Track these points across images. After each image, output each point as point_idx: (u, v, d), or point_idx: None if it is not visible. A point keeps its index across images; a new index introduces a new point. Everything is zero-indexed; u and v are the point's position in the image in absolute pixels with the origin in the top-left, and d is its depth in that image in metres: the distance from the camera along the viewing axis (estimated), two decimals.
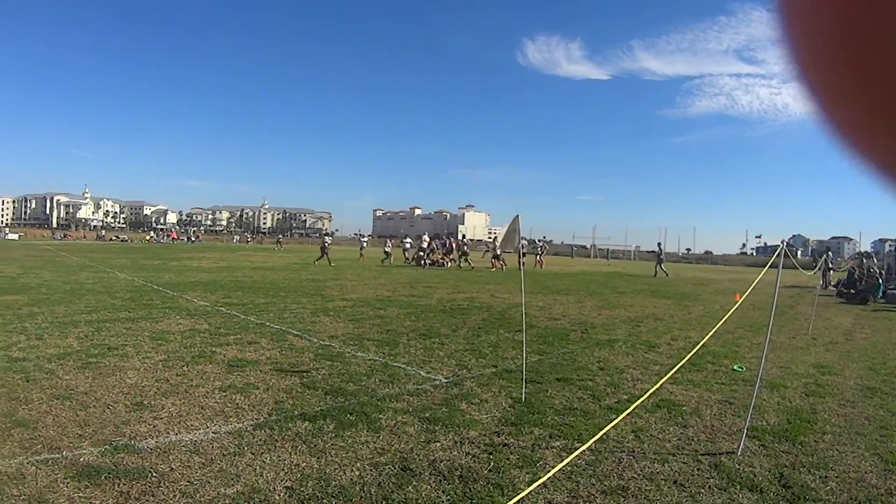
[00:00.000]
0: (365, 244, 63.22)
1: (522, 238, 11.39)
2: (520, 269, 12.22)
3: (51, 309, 18.25)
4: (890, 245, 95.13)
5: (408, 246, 51.71)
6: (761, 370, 8.36)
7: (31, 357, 11.79)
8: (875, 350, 16.10)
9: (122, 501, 6.06)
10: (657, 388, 10.34)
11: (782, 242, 9.80)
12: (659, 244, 52.69)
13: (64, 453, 7.20)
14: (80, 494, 6.16)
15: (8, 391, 9.60)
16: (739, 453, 7.86)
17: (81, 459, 7.03)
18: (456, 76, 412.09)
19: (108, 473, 6.67)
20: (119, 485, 6.43)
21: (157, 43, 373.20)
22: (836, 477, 7.29)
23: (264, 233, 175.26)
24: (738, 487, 6.87)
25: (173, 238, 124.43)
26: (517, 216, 10.79)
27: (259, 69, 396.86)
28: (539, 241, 62.15)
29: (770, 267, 10.11)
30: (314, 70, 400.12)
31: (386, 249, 54.31)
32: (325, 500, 6.26)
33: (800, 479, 7.17)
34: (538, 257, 53.30)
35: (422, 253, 48.03)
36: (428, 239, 50.85)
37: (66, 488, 6.28)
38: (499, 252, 47.17)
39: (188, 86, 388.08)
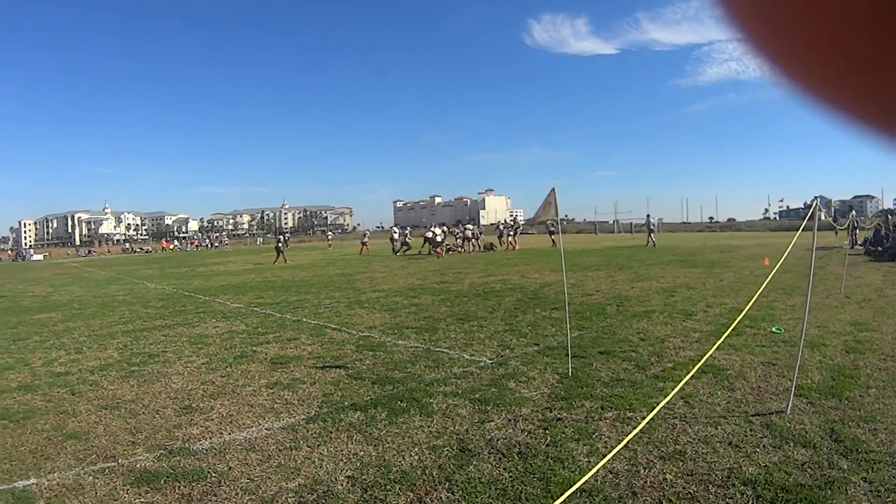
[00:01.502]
0: (367, 237, 62.87)
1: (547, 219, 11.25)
2: (554, 245, 12.15)
3: (86, 323, 18.45)
4: None
5: (396, 236, 51.23)
6: (803, 330, 8.33)
7: (73, 371, 11.93)
8: None
9: (184, 503, 6.12)
10: (708, 355, 10.26)
11: (814, 201, 9.68)
12: (648, 216, 53.81)
13: (119, 461, 7.27)
14: (142, 500, 6.22)
15: (55, 405, 9.72)
16: (788, 412, 7.87)
17: (138, 465, 7.11)
18: (465, 63, 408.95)
19: (167, 477, 6.74)
20: (179, 487, 6.49)
21: (164, 52, 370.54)
22: (885, 429, 7.29)
23: (286, 232, 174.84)
24: (792, 444, 6.89)
25: (196, 245, 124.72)
26: (553, 189, 10.72)
27: (267, 71, 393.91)
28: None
29: (804, 230, 9.94)
30: (321, 67, 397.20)
31: (393, 237, 54.49)
32: (388, 487, 6.29)
33: (850, 432, 7.18)
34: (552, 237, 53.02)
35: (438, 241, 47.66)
36: (439, 231, 50.37)
37: (126, 495, 6.34)
38: (532, 224, 47.20)
39: (198, 93, 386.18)
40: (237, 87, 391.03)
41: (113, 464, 7.16)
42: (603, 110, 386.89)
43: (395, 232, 57.51)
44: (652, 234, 50.27)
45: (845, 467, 6.26)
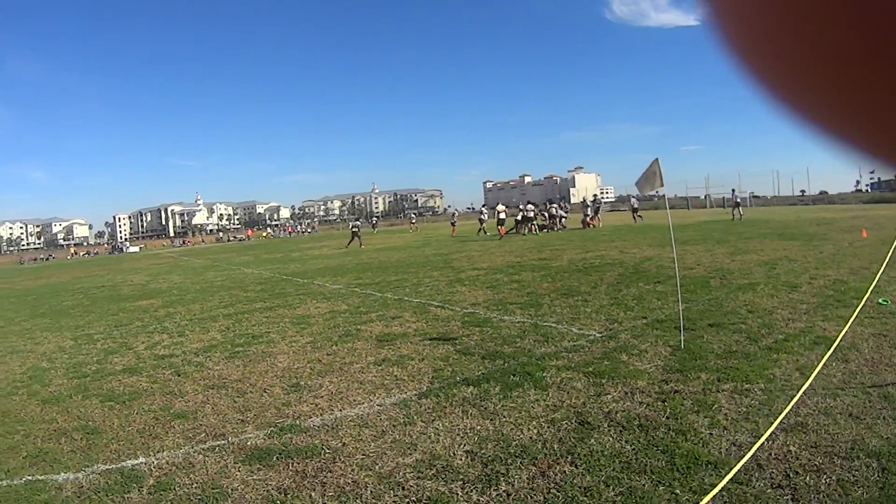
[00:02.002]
0: (456, 218, 62.66)
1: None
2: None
3: (186, 308, 18.93)
4: None
5: (484, 216, 50.65)
6: None
7: (177, 353, 12.24)
8: None
9: (298, 480, 6.20)
10: (842, 334, 10.24)
11: None
12: (733, 190, 54.83)
13: (229, 439, 7.41)
14: (254, 477, 6.34)
15: (161, 386, 9.99)
16: None
17: (248, 443, 7.24)
18: (547, 40, 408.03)
19: (279, 454, 6.84)
20: (293, 464, 6.58)
21: (251, 47, 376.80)
22: None
23: (378, 216, 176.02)
24: None
25: (290, 232, 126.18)
26: (657, 159, 10.49)
27: (355, 56, 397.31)
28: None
29: None
30: (410, 51, 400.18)
31: (481, 218, 53.85)
32: (508, 461, 6.30)
33: None
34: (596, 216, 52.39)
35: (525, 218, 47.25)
36: (503, 207, 49.93)
37: (238, 472, 6.46)
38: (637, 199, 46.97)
39: (287, 82, 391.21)
40: (326, 74, 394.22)
41: (223, 442, 7.30)
42: (688, 83, 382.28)
43: (483, 213, 56.82)
44: (738, 208, 50.25)
45: None
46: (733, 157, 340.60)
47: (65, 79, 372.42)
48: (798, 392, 7.46)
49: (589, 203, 50.41)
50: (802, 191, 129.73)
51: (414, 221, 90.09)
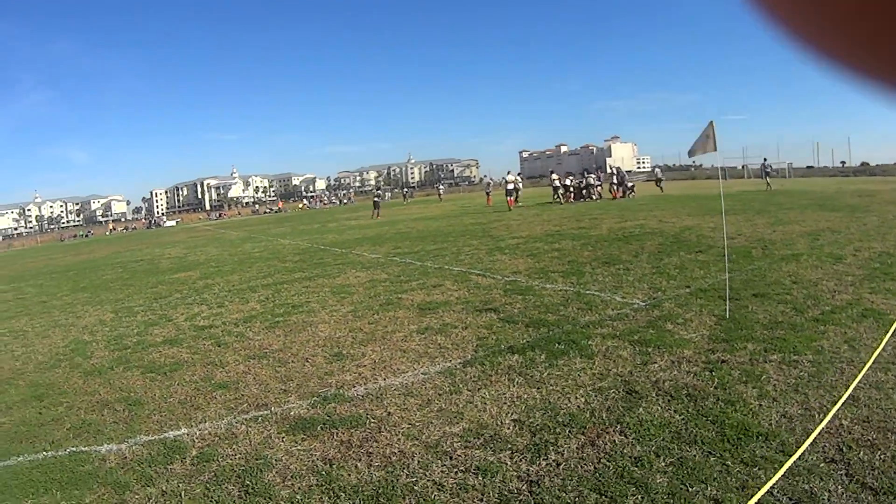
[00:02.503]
0: (491, 188, 62.05)
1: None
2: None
3: (225, 279, 19.06)
4: None
5: (510, 186, 49.63)
6: None
7: (216, 324, 12.33)
8: None
9: (343, 450, 6.20)
10: None
11: None
12: (765, 159, 54.59)
13: (272, 409, 7.44)
14: (298, 447, 6.33)
15: (202, 357, 10.07)
16: None
17: (291, 413, 7.25)
18: (581, 7, 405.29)
19: (323, 424, 6.84)
20: (337, 434, 6.59)
21: (284, 20, 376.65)
22: None
23: (413, 187, 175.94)
24: None
25: (325, 203, 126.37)
26: (711, 122, 10.33)
27: (390, 28, 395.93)
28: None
29: None
30: (445, 17, 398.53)
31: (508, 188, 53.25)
32: (556, 430, 6.29)
33: None
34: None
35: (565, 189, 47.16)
36: (557, 176, 50.03)
37: (281, 443, 6.48)
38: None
39: (317, 55, 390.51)
40: (358, 45, 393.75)
41: (265, 412, 7.32)
42: (727, 52, 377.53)
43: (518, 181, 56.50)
44: (768, 178, 50.59)
45: None
46: (773, 127, 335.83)
47: (100, 57, 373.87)
48: (860, 372, 7.41)
49: (614, 174, 50.24)
50: (843, 162, 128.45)
51: (441, 193, 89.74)
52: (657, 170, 59.96)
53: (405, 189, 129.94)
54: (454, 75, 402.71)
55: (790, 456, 5.32)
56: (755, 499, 4.68)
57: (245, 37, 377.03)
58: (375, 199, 52.39)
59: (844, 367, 7.42)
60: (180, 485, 5.64)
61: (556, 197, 47.66)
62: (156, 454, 6.34)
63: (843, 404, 6.36)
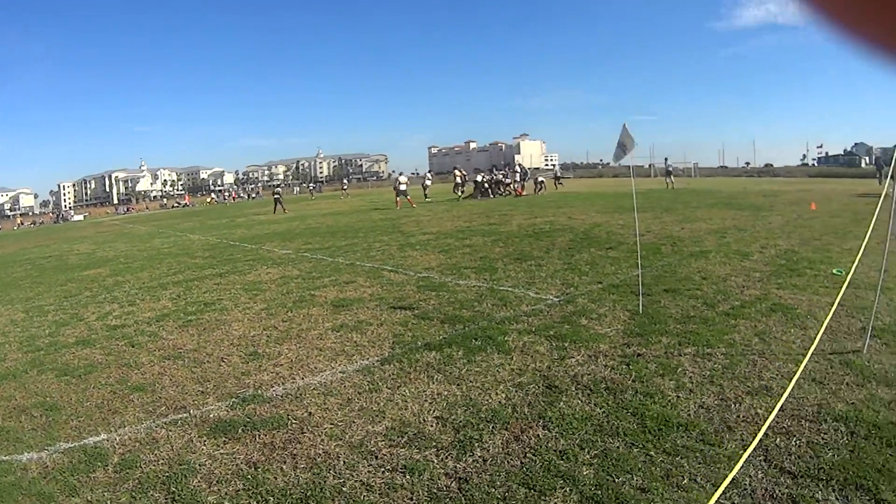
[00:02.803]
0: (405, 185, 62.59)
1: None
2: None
3: (135, 276, 18.54)
4: None
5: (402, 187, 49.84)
6: (882, 272, 8.30)
7: (129, 323, 11.98)
8: None
9: (267, 453, 6.08)
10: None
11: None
12: (666, 159, 57.66)
13: (191, 411, 7.24)
14: (221, 451, 6.17)
15: (116, 358, 9.73)
16: (865, 351, 7.85)
17: (211, 416, 7.08)
18: (497, 5, 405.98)
19: (245, 426, 6.70)
20: (260, 436, 6.46)
21: (194, 7, 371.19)
22: None
23: (321, 181, 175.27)
24: (875, 383, 6.88)
25: (234, 198, 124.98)
26: (624, 124, 10.52)
27: (300, 19, 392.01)
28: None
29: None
30: (354, 13, 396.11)
31: (426, 183, 53.62)
32: (480, 426, 6.33)
33: None
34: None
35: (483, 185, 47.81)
36: (459, 173, 51.77)
37: (204, 446, 6.30)
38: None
39: (230, 45, 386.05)
40: (270, 36, 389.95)
41: (184, 415, 7.13)
42: (639, 54, 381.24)
43: (428, 179, 56.98)
44: (670, 177, 53.01)
45: None
46: (681, 129, 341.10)
47: (2, 45, 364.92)
48: (791, 381, 7.72)
49: (518, 171, 50.93)
50: (747, 163, 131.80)
51: (345, 188, 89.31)
52: (557, 168, 60.92)
53: (311, 184, 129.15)
54: (364, 69, 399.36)
55: (712, 445, 5.50)
56: (719, 492, 4.83)
57: (153, 25, 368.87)
58: (276, 195, 52.03)
59: (756, 360, 7.69)
60: (105, 493, 5.43)
61: (456, 192, 48.67)
62: (77, 462, 6.11)
63: (757, 395, 6.59)
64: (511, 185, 48.04)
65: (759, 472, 5.06)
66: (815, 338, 8.32)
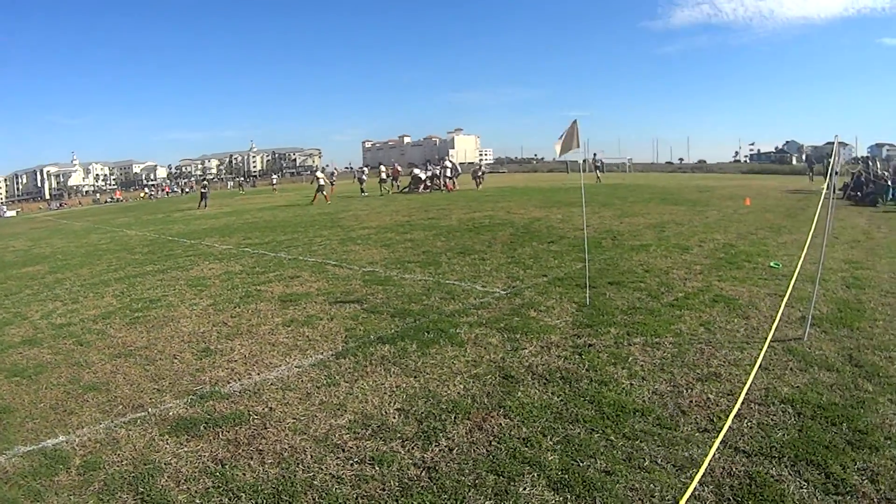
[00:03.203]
0: (335, 177, 62.42)
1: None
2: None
3: (75, 273, 18.12)
4: (888, 149, 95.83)
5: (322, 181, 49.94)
6: (821, 265, 8.68)
7: (74, 321, 11.74)
8: None
9: (232, 449, 6.03)
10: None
11: (835, 139, 9.73)
12: (595, 154, 57.76)
13: (149, 410, 7.13)
14: (185, 449, 6.11)
15: (65, 357, 9.52)
16: (805, 339, 8.22)
17: (170, 414, 7.00)
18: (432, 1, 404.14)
19: (206, 423, 6.64)
20: (222, 433, 6.42)
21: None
22: None
23: (255, 175, 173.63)
24: (817, 368, 7.24)
25: (167, 192, 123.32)
26: (575, 120, 10.68)
27: (232, 10, 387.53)
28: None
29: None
30: (288, 6, 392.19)
31: (361, 178, 54.13)
32: (442, 416, 6.43)
33: (868, 359, 7.51)
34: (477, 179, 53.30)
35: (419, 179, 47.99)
36: (385, 169, 52.25)
37: (167, 445, 6.22)
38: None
39: (159, 38, 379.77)
40: (204, 27, 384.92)
41: (143, 413, 7.03)
42: (574, 52, 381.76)
43: (363, 173, 57.72)
44: (598, 171, 55.06)
45: (871, 389, 6.62)
46: (616, 124, 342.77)
47: None
48: (749, 379, 7.95)
49: (448, 167, 51.02)
50: (681, 159, 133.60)
51: (275, 183, 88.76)
52: (479, 165, 60.60)
53: (240, 178, 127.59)
54: (298, 63, 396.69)
55: (669, 429, 5.75)
56: (695, 481, 5.02)
57: (83, 14, 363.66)
58: (203, 189, 51.41)
59: (704, 348, 7.99)
60: (71, 497, 5.33)
61: (382, 188, 49.02)
62: (38, 466, 5.95)
63: (706, 381, 6.87)
64: (440, 181, 48.28)
65: (716, 452, 5.26)
66: (757, 327, 8.81)
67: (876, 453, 5.26)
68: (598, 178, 52.34)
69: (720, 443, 5.35)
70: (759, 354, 7.33)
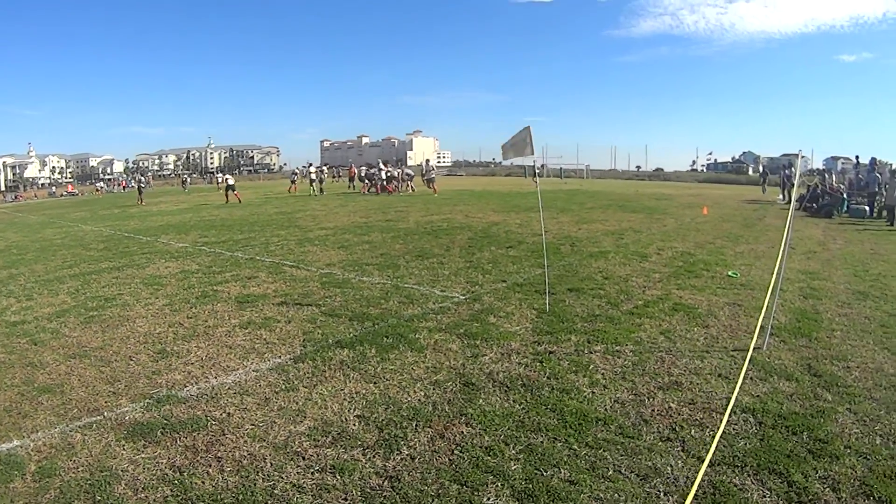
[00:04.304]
0: (296, 176, 62.61)
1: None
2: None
3: (29, 269, 17.71)
4: (842, 162, 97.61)
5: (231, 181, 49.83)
6: (781, 272, 8.68)
7: (28, 319, 11.46)
8: (853, 259, 16.36)
9: (191, 456, 5.89)
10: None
11: (799, 153, 9.81)
12: (534, 161, 56.79)
13: (105, 414, 6.94)
14: (142, 455, 5.93)
15: (19, 357, 9.24)
16: (765, 348, 8.35)
17: (126, 418, 6.81)
18: (396, 2, 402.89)
19: (163, 429, 6.48)
20: (180, 439, 6.26)
21: None
22: (857, 367, 7.80)
23: (211, 172, 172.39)
24: (776, 377, 7.38)
25: (123, 187, 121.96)
26: (528, 126, 10.68)
27: (191, 6, 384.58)
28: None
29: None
30: (247, 4, 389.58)
31: (311, 177, 53.56)
32: (403, 424, 6.37)
33: (826, 369, 7.68)
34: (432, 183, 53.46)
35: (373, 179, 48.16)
36: (315, 168, 53.25)
37: (123, 451, 6.03)
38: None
39: (117, 31, 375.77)
40: (161, 22, 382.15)
41: (99, 417, 6.84)
42: (536, 58, 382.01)
43: (323, 172, 57.42)
44: (536, 177, 52.60)
45: (830, 399, 6.76)
46: (575, 131, 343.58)
47: None
48: (736, 387, 7.98)
49: (401, 171, 51.26)
50: (638, 166, 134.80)
51: (220, 183, 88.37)
52: (428, 167, 60.49)
53: (184, 175, 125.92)
54: (257, 60, 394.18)
55: (632, 438, 5.76)
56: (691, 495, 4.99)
57: (44, 3, 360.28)
58: (140, 184, 51.81)
59: (664, 356, 8.05)
60: None
61: (351, 187, 50.93)
62: None
63: (668, 390, 6.92)
64: (396, 183, 48.32)
65: (679, 461, 5.32)
66: (716, 335, 8.98)
67: (836, 462, 5.34)
68: (535, 183, 51.85)
69: (682, 452, 5.44)
70: (742, 366, 7.52)
